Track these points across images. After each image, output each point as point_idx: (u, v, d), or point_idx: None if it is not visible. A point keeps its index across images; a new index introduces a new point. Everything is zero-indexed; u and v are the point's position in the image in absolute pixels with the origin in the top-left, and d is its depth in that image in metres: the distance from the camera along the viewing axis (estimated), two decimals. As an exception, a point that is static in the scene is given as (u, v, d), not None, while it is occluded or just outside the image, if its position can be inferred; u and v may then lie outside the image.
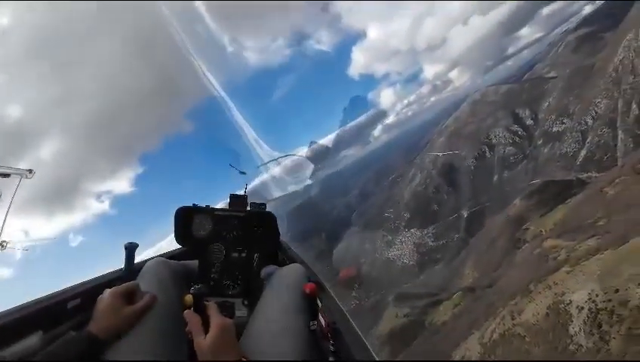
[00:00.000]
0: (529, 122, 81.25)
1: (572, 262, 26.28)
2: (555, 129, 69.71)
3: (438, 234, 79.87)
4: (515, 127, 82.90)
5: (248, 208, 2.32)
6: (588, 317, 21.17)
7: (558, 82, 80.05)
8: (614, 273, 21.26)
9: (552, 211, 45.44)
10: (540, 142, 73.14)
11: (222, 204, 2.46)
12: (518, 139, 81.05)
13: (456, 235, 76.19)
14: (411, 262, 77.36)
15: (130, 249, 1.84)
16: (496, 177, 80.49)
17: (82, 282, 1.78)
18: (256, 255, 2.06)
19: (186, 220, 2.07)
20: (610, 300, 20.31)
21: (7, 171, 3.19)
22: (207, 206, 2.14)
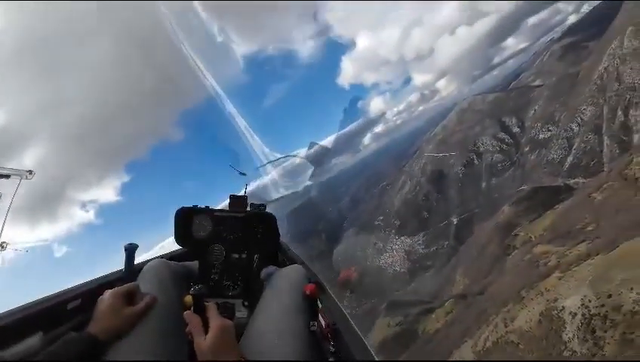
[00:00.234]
0: (516, 130, 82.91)
1: (563, 268, 26.35)
2: (541, 136, 71.16)
3: (429, 241, 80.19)
4: (502, 135, 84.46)
5: (248, 209, 2.34)
6: (581, 323, 21.09)
7: (543, 90, 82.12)
8: (606, 278, 21.31)
9: (541, 217, 45.86)
10: (526, 149, 74.51)
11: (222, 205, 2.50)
12: (505, 146, 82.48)
13: (446, 242, 76.58)
14: (402, 270, 77.29)
15: (130, 250, 1.83)
16: (484, 184, 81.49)
17: (83, 283, 1.77)
18: (256, 256, 2.07)
19: (186, 221, 2.08)
20: (603, 305, 20.29)
21: (7, 172, 3.18)
22: (207, 207, 2.14)
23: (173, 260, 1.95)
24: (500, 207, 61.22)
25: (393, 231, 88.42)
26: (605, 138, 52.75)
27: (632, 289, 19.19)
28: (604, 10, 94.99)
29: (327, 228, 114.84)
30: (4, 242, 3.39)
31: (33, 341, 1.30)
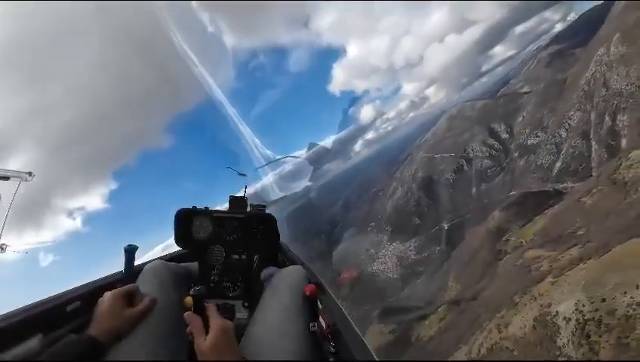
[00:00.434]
0: (504, 136, 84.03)
1: (555, 273, 26.40)
2: (530, 142, 72.25)
3: (420, 247, 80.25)
4: (492, 141, 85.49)
5: (248, 210, 2.32)
6: (576, 327, 21.05)
7: (531, 97, 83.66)
8: (599, 282, 21.35)
9: (531, 222, 46.35)
10: (515, 154, 75.54)
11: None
12: (494, 152, 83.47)
13: (438, 248, 76.74)
14: (395, 276, 77.08)
15: (130, 251, 1.81)
16: (474, 190, 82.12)
17: (82, 284, 1.76)
18: (256, 257, 2.05)
19: (185, 222, 2.06)
20: (597, 310, 20.29)
21: (7, 174, 3.16)
22: (207, 208, 2.12)
23: (173, 261, 1.95)
24: (490, 213, 61.68)
25: (385, 237, 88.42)
26: (593, 143, 53.81)
27: (625, 293, 19.24)
28: (590, 19, 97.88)
29: (318, 236, 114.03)
30: (3, 244, 3.37)
31: (33, 343, 1.28)
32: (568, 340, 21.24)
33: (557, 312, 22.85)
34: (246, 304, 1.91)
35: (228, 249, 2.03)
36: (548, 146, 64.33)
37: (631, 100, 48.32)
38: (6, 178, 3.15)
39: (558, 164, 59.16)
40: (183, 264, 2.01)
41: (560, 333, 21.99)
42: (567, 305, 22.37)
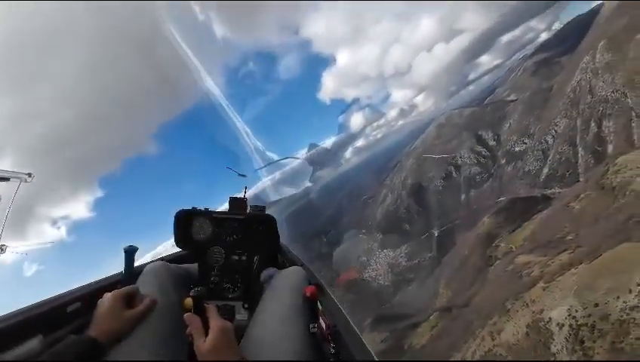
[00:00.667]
0: (492, 143, 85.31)
1: (547, 278, 26.38)
2: (517, 148, 73.48)
3: (411, 253, 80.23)
4: (479, 148, 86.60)
5: (248, 211, 2.29)
6: (569, 333, 20.91)
7: (518, 105, 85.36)
8: (591, 287, 21.32)
9: (521, 228, 46.59)
10: (503, 161, 76.65)
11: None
12: (482, 159, 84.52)
13: (429, 254, 76.82)
14: (386, 283, 76.71)
15: (130, 252, 1.81)
16: (463, 196, 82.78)
17: (82, 286, 1.76)
18: (256, 258, 2.05)
19: (185, 223, 2.06)
20: (590, 315, 20.21)
21: (7, 175, 3.15)
22: (207, 209, 2.11)
23: (173, 262, 1.95)
24: (479, 219, 62.06)
25: (376, 244, 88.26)
26: (580, 149, 54.87)
27: (618, 297, 19.21)
28: (575, 27, 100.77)
29: (310, 244, 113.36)
30: (3, 245, 3.34)
31: (33, 344, 1.29)
32: (562, 346, 21.10)
33: (550, 318, 22.73)
34: (246, 305, 1.90)
35: (228, 250, 2.03)
36: (535, 153, 65.44)
37: (617, 107, 49.44)
38: (6, 179, 3.16)
39: (545, 170, 60.12)
40: (182, 265, 2.02)
41: (553, 339, 21.84)
42: (560, 311, 22.27)
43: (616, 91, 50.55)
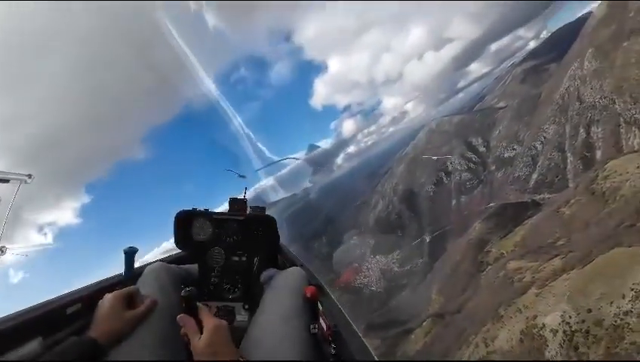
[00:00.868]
0: (482, 149, 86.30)
1: (539, 284, 26.39)
2: (506, 155, 74.47)
3: (403, 259, 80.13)
4: (469, 154, 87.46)
5: (248, 212, 2.30)
6: (563, 339, 20.83)
7: (507, 111, 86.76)
8: (584, 292, 21.32)
9: (512, 233, 46.82)
10: (493, 167, 77.47)
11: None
12: (472, 165, 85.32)
13: (420, 260, 76.83)
14: (379, 289, 76.31)
15: (130, 253, 1.82)
16: (454, 202, 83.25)
17: (83, 287, 1.75)
18: (256, 258, 2.05)
19: (185, 224, 2.05)
20: (584, 321, 20.17)
21: (7, 176, 3.15)
22: (207, 209, 2.11)
23: (174, 263, 1.95)
24: (470, 224, 62.47)
25: (369, 250, 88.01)
26: (568, 155, 55.80)
27: (611, 302, 19.21)
28: (563, 36, 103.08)
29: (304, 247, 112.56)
30: (3, 246, 3.32)
31: (33, 345, 1.28)
32: (557, 352, 21.00)
33: (543, 324, 22.67)
34: (246, 306, 1.89)
35: (228, 251, 2.02)
36: (524, 159, 66.41)
37: (604, 113, 50.47)
38: (6, 180, 3.15)
39: (534, 176, 60.92)
40: (183, 266, 2.02)
41: (548, 346, 21.75)
42: (554, 317, 22.22)
43: (604, 98, 51.57)
